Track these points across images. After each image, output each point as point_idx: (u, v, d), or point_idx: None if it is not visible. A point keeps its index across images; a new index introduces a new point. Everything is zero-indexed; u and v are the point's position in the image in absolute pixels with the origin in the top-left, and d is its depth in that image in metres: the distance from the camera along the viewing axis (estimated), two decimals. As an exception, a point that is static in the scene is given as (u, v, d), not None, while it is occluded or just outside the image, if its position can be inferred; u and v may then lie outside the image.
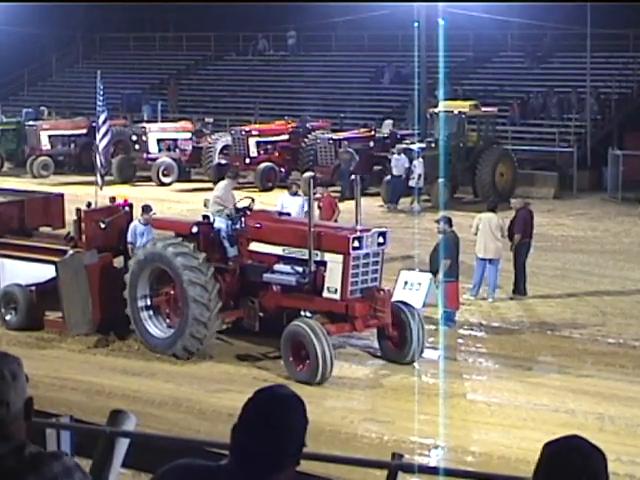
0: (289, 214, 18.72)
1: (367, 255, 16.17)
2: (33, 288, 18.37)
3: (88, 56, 56.77)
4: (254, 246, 17.08)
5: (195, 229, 17.17)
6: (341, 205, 24.01)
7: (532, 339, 18.04)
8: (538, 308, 20.07)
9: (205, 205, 19.26)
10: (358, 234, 16.12)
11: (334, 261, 16.01)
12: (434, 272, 18.99)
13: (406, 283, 19.81)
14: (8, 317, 18.48)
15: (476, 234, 20.28)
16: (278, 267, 16.60)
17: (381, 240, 16.41)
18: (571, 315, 19.51)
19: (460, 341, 17.89)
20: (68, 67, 56.33)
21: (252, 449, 3.19)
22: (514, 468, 12.02)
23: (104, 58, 54.70)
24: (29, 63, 53.84)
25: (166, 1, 51.99)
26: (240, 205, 17.77)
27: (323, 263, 16.14)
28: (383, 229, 17.08)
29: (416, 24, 36.13)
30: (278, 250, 16.71)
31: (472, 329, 18.56)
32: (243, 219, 17.30)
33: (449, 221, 18.99)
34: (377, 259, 16.39)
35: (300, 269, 16.22)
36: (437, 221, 19.42)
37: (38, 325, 18.29)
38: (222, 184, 19.46)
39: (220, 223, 17.50)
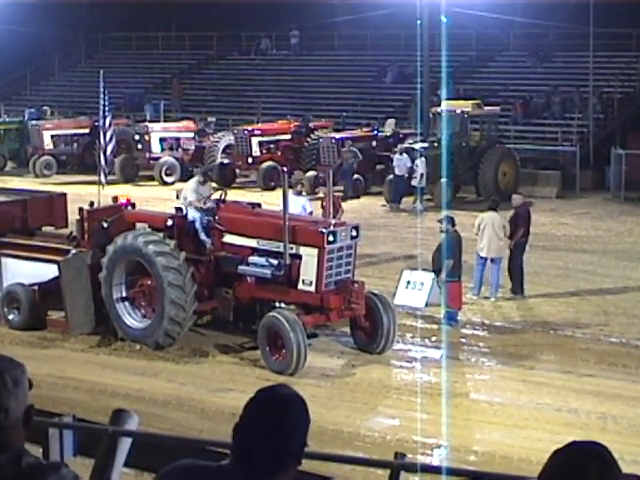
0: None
1: (341, 248, 16.56)
2: (36, 287, 18.37)
3: (91, 56, 56.78)
4: (228, 238, 17.39)
5: (170, 222, 17.46)
6: (344, 205, 24.00)
7: (534, 338, 18.03)
8: (540, 307, 20.06)
9: (177, 197, 19.36)
10: (332, 228, 16.48)
11: (309, 254, 16.37)
12: (437, 272, 18.99)
13: (409, 282, 19.85)
14: (11, 316, 18.48)
15: (477, 234, 20.26)
16: (253, 259, 16.91)
17: (354, 233, 16.86)
18: (574, 314, 19.50)
19: (463, 340, 17.89)
20: (71, 67, 56.34)
21: (254, 449, 3.18)
22: (517, 467, 12.03)
23: (107, 58, 54.69)
24: (32, 63, 53.84)
25: (168, 0, 51.96)
26: (212, 197, 18.03)
27: (298, 256, 16.48)
28: (356, 223, 17.52)
29: (419, 23, 36.10)
30: (252, 242, 17.01)
31: (474, 328, 18.55)
32: (216, 211, 17.55)
33: (452, 221, 18.98)
34: (350, 252, 16.81)
35: (275, 262, 16.56)
36: (440, 221, 19.40)
37: (41, 324, 18.30)
38: (193, 181, 19.29)
39: (193, 214, 17.73)
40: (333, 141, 34.33)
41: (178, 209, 18.08)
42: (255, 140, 36.24)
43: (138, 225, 18.31)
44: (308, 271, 16.37)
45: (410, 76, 42.59)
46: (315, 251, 16.32)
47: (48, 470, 3.19)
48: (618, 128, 38.60)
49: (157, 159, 37.38)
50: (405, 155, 31.81)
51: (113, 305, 17.48)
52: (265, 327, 16.06)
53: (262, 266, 16.73)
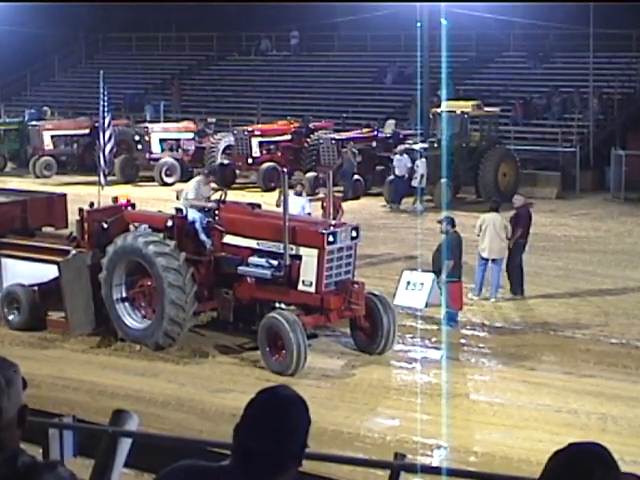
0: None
1: (341, 249, 16.60)
2: (36, 288, 18.37)
3: (91, 56, 56.78)
4: (228, 239, 17.43)
5: (170, 223, 17.46)
6: (344, 205, 23.98)
7: (535, 339, 18.03)
8: (541, 308, 20.05)
9: (177, 197, 19.36)
10: (333, 229, 16.51)
11: (309, 255, 16.41)
12: (437, 272, 18.99)
13: (409, 283, 19.84)
14: (11, 317, 18.49)
15: (479, 235, 20.25)
16: (253, 260, 16.93)
17: (354, 234, 16.88)
18: (574, 315, 19.49)
19: (463, 341, 17.88)
20: (71, 67, 56.35)
21: (254, 450, 3.19)
22: (516, 468, 12.03)
23: (107, 58, 54.70)
24: (32, 63, 53.84)
25: (169, 1, 51.97)
26: (212, 198, 18.05)
27: (298, 257, 16.51)
28: (356, 223, 17.55)
29: (419, 24, 36.10)
30: (252, 243, 17.02)
31: (475, 329, 18.55)
32: (216, 211, 17.56)
33: (452, 221, 18.98)
34: (350, 252, 16.84)
35: (275, 262, 16.59)
36: (440, 221, 19.40)
37: (41, 325, 18.29)
38: (195, 180, 19.30)
39: (193, 215, 17.73)
40: (333, 142, 34.34)
41: (178, 210, 18.08)
42: (255, 141, 36.22)
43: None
44: (308, 272, 16.40)
45: (410, 77, 42.59)
46: (315, 252, 16.35)
47: (44, 469, 3.19)
48: (618, 129, 38.59)
49: (157, 160, 37.38)
50: (405, 156, 31.82)
51: (113, 306, 17.49)
52: (265, 328, 16.08)
53: (262, 267, 16.76)
